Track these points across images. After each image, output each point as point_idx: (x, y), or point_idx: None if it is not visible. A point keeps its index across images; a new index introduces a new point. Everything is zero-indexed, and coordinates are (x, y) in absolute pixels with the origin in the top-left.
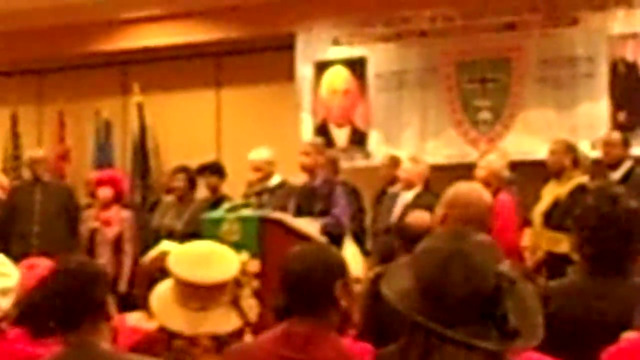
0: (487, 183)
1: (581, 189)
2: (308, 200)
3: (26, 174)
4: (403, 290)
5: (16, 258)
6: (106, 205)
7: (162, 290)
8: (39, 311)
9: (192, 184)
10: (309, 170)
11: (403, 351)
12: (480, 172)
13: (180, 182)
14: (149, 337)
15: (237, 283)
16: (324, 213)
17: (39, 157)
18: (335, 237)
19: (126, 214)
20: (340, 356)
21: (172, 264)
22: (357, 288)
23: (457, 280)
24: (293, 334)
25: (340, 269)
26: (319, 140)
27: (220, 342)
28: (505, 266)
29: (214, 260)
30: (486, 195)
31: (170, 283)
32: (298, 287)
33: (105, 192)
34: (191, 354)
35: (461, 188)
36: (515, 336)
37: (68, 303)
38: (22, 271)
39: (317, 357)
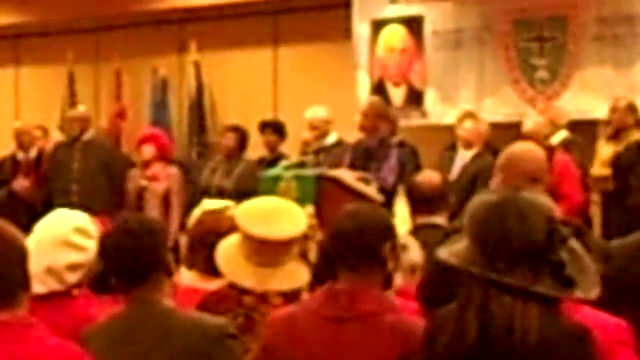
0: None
1: (638, 145)
2: (362, 159)
3: (75, 131)
4: (458, 250)
5: None
6: (149, 163)
7: (228, 248)
8: (101, 270)
9: (242, 144)
10: (367, 131)
11: (461, 307)
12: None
13: (230, 141)
14: (218, 293)
15: (304, 237)
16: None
17: (77, 115)
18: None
19: (173, 170)
20: (386, 310)
21: (241, 220)
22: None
23: (509, 228)
24: (338, 292)
25: (389, 230)
26: (377, 100)
27: (289, 299)
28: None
29: (283, 215)
30: (540, 152)
31: (237, 240)
32: (348, 246)
33: (148, 150)
34: (261, 311)
35: (515, 150)
36: (571, 285)
37: (130, 261)
38: None
39: (362, 313)
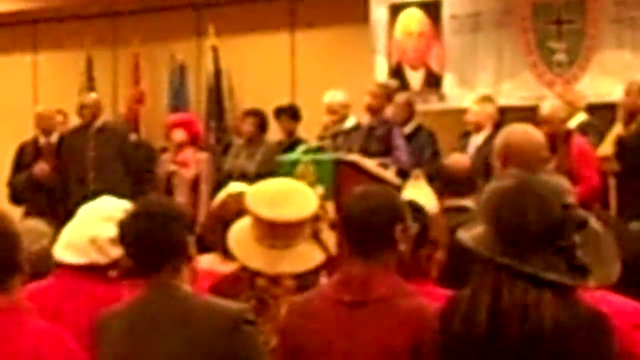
0: (553, 135)
1: None
2: (366, 141)
3: (86, 118)
4: (477, 234)
5: (76, 203)
6: (180, 148)
7: (240, 230)
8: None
9: (262, 128)
10: (374, 111)
11: (474, 291)
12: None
13: (249, 125)
14: (231, 276)
15: (315, 217)
16: (380, 154)
17: (88, 101)
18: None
19: (203, 156)
20: (399, 294)
21: (251, 203)
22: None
23: (524, 215)
24: (352, 277)
25: (400, 212)
26: (392, 83)
27: (301, 282)
28: (574, 204)
29: (293, 197)
30: (537, 135)
31: (248, 222)
32: (359, 229)
33: (179, 135)
34: (273, 294)
35: (511, 138)
36: (585, 272)
37: (149, 244)
38: None
39: (376, 297)
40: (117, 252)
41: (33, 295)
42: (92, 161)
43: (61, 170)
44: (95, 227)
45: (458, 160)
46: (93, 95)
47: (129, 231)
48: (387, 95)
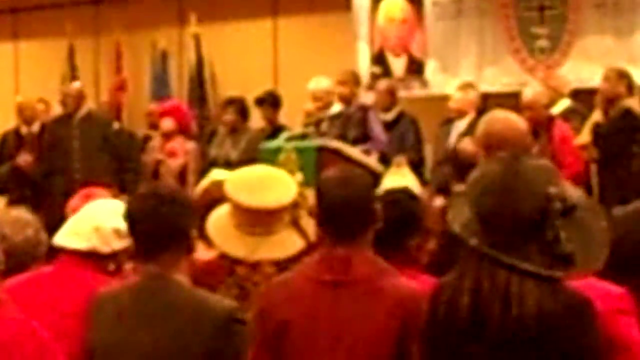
0: (535, 121)
1: (627, 112)
2: (344, 128)
3: (70, 107)
4: (465, 219)
5: (61, 194)
6: (168, 137)
7: (219, 218)
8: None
9: (243, 115)
10: (346, 100)
11: (460, 276)
12: (525, 114)
13: (230, 115)
14: (211, 264)
15: (294, 204)
16: (358, 140)
17: (71, 91)
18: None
19: (191, 145)
20: (380, 274)
21: (230, 190)
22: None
23: (501, 203)
24: (332, 257)
25: (371, 193)
26: (351, 69)
27: (281, 268)
28: (560, 189)
29: (272, 183)
30: (519, 121)
31: (227, 209)
32: (339, 212)
33: (167, 123)
34: (253, 281)
35: (493, 125)
36: (568, 262)
37: (154, 224)
38: (79, 201)
39: (357, 277)
40: (119, 244)
41: (31, 283)
42: (77, 151)
43: (43, 160)
44: (100, 217)
45: (468, 145)
46: (76, 84)
47: (135, 209)
48: (354, 80)
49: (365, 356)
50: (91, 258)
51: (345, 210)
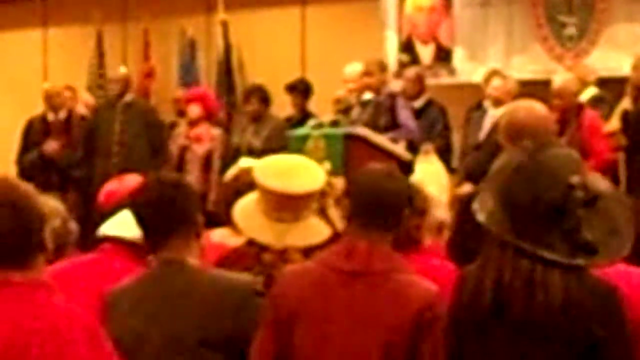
0: (565, 109)
1: None
2: (374, 115)
3: (111, 93)
4: (490, 208)
5: (100, 176)
6: (195, 123)
7: (247, 204)
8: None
9: (265, 102)
10: (374, 89)
11: (481, 267)
12: (554, 101)
13: (252, 105)
14: (237, 251)
15: (322, 193)
16: (388, 127)
17: (118, 76)
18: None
19: (217, 131)
20: (398, 269)
21: (259, 176)
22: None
23: (523, 191)
24: (354, 248)
25: (407, 197)
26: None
27: (308, 256)
28: (583, 178)
29: (300, 171)
30: (542, 110)
31: (255, 196)
32: (372, 207)
33: (194, 110)
34: (280, 268)
35: (516, 116)
36: (590, 250)
37: (160, 211)
38: (113, 186)
39: (376, 270)
40: None
41: (73, 269)
42: (118, 135)
43: (76, 146)
44: None
45: None
46: (123, 70)
47: (140, 197)
48: (380, 69)
49: (376, 347)
50: (133, 247)
51: (377, 205)
